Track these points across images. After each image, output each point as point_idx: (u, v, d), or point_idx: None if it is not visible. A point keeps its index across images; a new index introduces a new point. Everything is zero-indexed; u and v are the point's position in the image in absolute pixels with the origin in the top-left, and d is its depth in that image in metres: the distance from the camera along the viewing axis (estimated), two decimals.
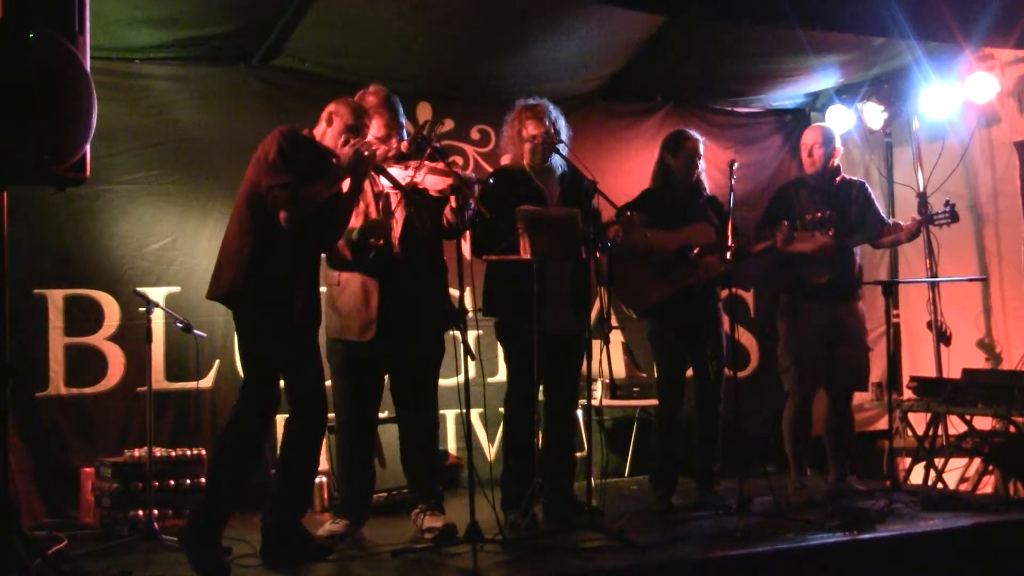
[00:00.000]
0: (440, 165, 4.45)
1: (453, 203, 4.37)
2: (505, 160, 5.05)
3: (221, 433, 4.30)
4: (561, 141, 4.82)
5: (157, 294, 5.21)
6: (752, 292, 6.93)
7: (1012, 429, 5.74)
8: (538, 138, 4.80)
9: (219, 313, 5.18)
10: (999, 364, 6.38)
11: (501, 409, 5.05)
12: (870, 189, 5.73)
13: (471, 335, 4.27)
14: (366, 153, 4.13)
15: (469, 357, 4.19)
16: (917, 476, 6.18)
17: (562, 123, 4.90)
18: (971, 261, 6.61)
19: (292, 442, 4.26)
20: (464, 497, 4.22)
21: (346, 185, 4.22)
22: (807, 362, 5.45)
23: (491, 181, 4.83)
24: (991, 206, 6.52)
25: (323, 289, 4.49)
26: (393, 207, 4.55)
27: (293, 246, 4.09)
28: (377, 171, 4.36)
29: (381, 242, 4.45)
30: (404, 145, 4.52)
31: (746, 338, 6.86)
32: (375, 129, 4.51)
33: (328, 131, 4.25)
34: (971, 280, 6.47)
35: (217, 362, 5.53)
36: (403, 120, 4.64)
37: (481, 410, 5.92)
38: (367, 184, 4.44)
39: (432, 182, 4.49)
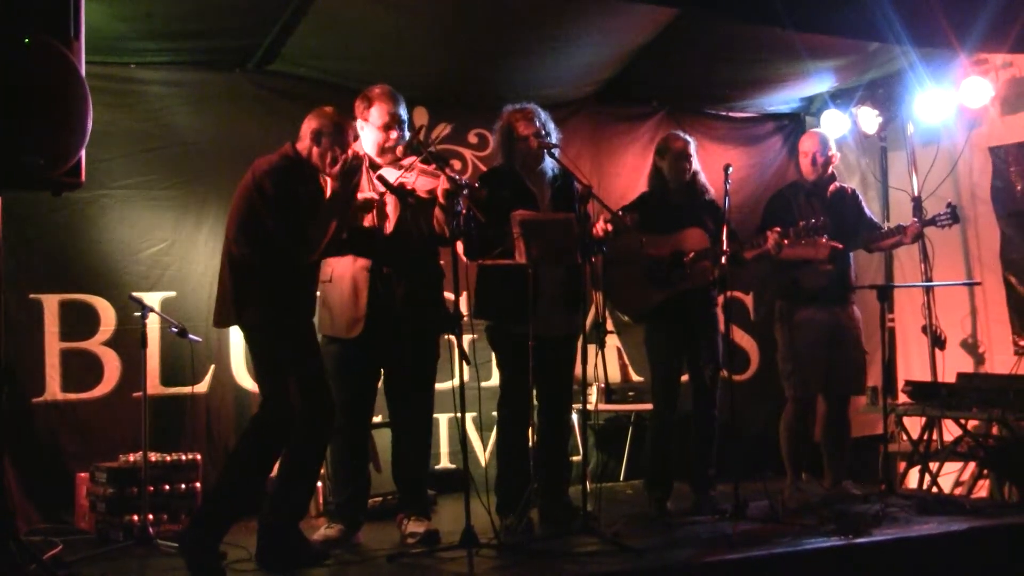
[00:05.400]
0: (432, 167, 4.45)
1: (442, 201, 4.38)
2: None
3: (242, 443, 4.23)
4: (555, 145, 4.83)
5: (153, 299, 5.20)
6: (751, 295, 6.93)
7: (1004, 432, 5.75)
8: (530, 137, 4.82)
9: None
10: (981, 365, 6.44)
11: (494, 413, 5.03)
12: (860, 195, 5.74)
13: (466, 339, 4.25)
14: (355, 164, 4.16)
15: (464, 362, 4.18)
16: (912, 480, 6.19)
17: (551, 126, 4.92)
18: (962, 265, 6.63)
19: (295, 443, 4.21)
20: (460, 501, 4.22)
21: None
22: (808, 367, 5.44)
23: (479, 184, 4.82)
24: (971, 210, 6.56)
25: None
26: (387, 208, 4.55)
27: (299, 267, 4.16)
28: (372, 168, 4.38)
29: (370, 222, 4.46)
30: (399, 150, 4.53)
31: (745, 341, 6.85)
32: (377, 117, 4.51)
33: (316, 151, 4.22)
34: (965, 284, 6.48)
35: (213, 367, 5.51)
36: (405, 117, 4.62)
37: (475, 414, 5.89)
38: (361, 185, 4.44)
39: (422, 183, 4.49)
